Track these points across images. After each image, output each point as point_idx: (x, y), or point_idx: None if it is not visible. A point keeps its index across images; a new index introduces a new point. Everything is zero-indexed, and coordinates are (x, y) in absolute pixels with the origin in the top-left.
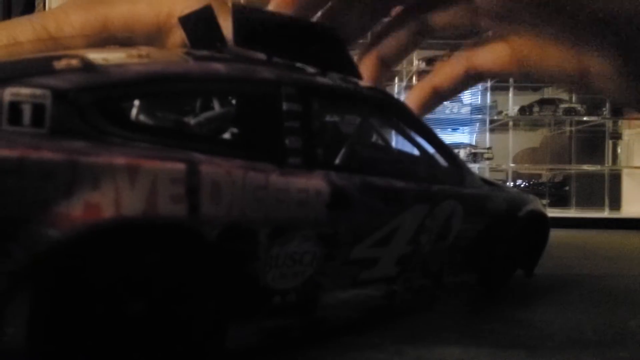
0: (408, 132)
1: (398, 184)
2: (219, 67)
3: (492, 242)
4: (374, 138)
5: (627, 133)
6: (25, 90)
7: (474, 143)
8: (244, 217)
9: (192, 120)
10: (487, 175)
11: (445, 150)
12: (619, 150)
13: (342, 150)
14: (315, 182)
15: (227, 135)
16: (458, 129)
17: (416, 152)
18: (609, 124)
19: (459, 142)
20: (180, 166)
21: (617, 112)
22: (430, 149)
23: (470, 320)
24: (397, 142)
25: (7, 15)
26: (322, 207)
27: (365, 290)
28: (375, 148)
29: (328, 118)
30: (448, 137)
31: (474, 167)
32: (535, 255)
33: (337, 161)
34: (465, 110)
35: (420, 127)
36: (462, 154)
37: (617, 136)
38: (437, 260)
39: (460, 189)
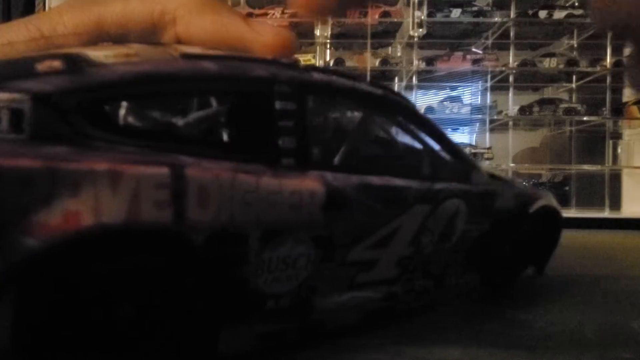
0: (409, 128)
1: (398, 183)
2: (208, 65)
3: (499, 241)
4: (373, 135)
5: (627, 133)
6: (3, 95)
7: (474, 143)
8: (233, 221)
9: (180, 122)
10: None
11: (450, 146)
12: (619, 150)
13: (339, 150)
14: (309, 183)
15: (216, 136)
16: (458, 129)
17: (418, 149)
18: (609, 124)
19: (458, 142)
20: (165, 170)
21: (617, 112)
22: (434, 145)
23: (471, 320)
24: (398, 139)
25: (7, 16)
26: (317, 209)
27: (366, 292)
28: (373, 146)
29: (324, 116)
30: None
31: None
32: (547, 252)
33: (333, 161)
34: (465, 110)
35: (423, 123)
36: None
37: (617, 136)
38: (439, 262)
39: (466, 186)
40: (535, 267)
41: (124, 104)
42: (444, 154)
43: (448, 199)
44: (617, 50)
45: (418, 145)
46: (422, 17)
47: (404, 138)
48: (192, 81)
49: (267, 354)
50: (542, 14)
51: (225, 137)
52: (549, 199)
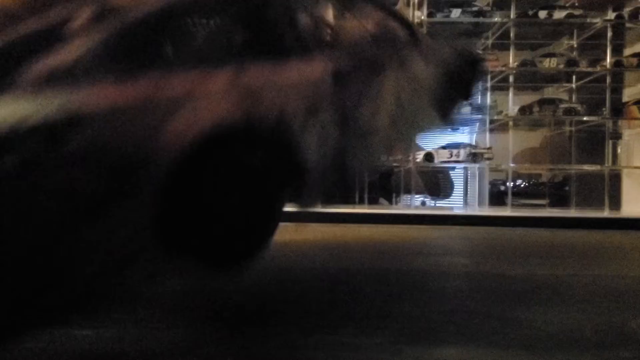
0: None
1: (375, 52)
2: None
3: (445, 82)
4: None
5: (627, 133)
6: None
7: (474, 143)
8: (283, 109)
9: (213, 39)
10: (487, 174)
11: (397, 16)
12: (619, 150)
13: (329, 32)
14: (317, 64)
15: (244, 44)
16: (458, 129)
17: (377, 26)
18: (609, 124)
19: (459, 142)
20: (225, 77)
21: (617, 112)
22: (390, 21)
23: (470, 320)
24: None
25: None
26: (330, 82)
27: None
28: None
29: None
30: (448, 137)
31: (474, 167)
32: (472, 85)
33: (327, 42)
34: (465, 110)
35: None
36: (462, 154)
37: (617, 136)
38: (415, 108)
39: (418, 49)
40: (464, 97)
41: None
42: (393, 23)
43: (408, 59)
44: (617, 50)
45: (375, 25)
46: (422, 17)
47: (361, 17)
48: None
49: (267, 352)
50: (542, 14)
51: (249, 44)
52: (472, 50)
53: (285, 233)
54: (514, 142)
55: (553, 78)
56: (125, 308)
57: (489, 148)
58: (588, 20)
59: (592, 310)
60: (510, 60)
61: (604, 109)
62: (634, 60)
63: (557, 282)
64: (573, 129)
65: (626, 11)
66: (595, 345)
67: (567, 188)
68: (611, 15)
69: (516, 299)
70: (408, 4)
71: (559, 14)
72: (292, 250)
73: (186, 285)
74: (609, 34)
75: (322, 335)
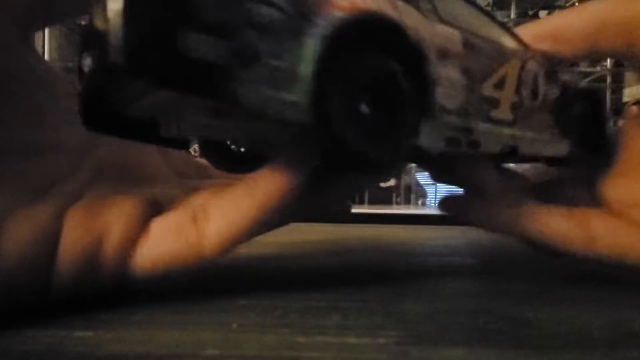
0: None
1: (499, 39)
2: None
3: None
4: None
5: None
6: None
7: None
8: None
9: None
10: None
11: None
12: None
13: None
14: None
15: None
16: None
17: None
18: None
19: None
20: None
21: (617, 112)
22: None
23: (476, 320)
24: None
25: None
26: (460, 46)
27: (497, 128)
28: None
29: None
30: None
31: None
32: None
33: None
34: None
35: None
36: None
37: None
38: (532, 117)
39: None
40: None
41: None
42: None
43: (530, 60)
44: None
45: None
46: None
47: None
48: None
49: (268, 355)
50: (542, 14)
51: None
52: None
53: (285, 233)
54: None
55: None
56: (126, 309)
57: None
58: None
59: (597, 310)
60: None
61: None
62: None
63: (563, 281)
64: None
65: None
66: (603, 345)
67: None
68: None
69: (522, 299)
70: None
71: None
72: (292, 250)
73: (186, 286)
74: None
75: (324, 336)
